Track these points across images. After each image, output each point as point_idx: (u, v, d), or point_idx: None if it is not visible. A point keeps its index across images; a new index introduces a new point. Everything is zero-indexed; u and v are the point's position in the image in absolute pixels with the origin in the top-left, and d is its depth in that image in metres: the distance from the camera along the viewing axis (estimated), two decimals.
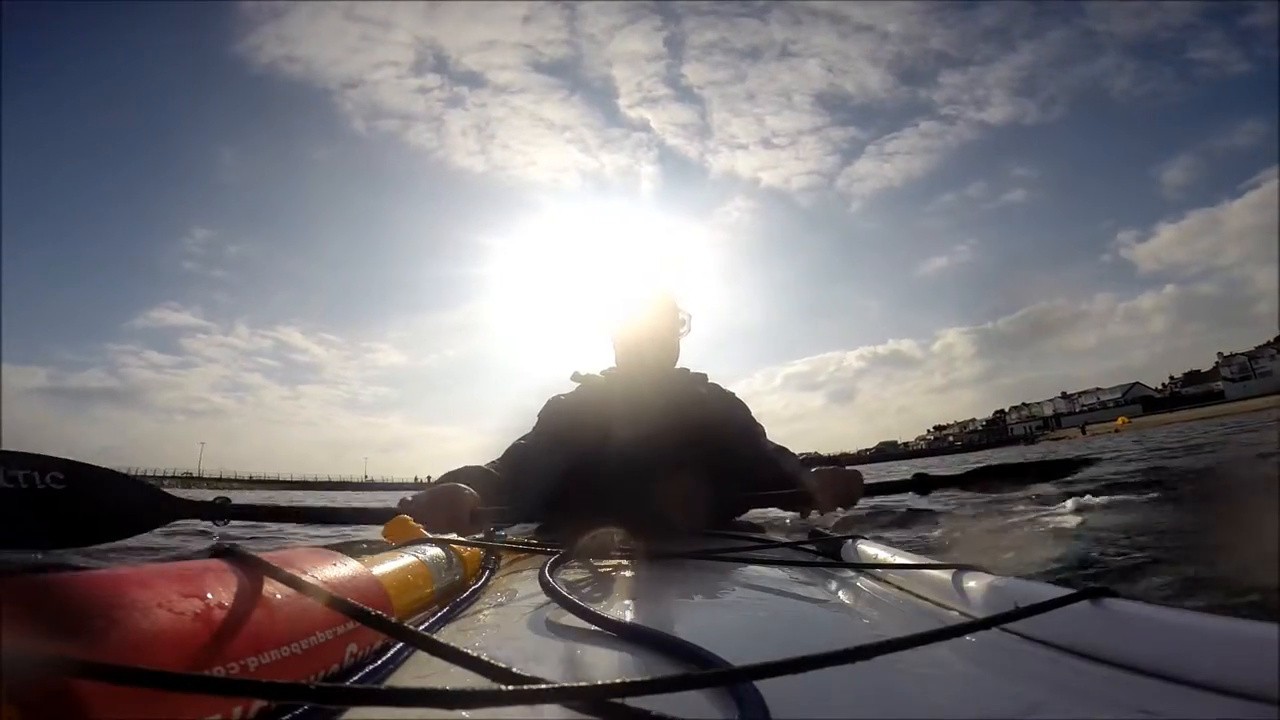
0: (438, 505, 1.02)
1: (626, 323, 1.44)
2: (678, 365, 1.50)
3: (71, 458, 0.90)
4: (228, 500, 1.02)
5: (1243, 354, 60.10)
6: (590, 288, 1.60)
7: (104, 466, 0.92)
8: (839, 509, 1.22)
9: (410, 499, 1.04)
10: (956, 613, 0.65)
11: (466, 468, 1.27)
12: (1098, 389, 73.94)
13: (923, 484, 1.27)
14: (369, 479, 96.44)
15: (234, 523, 1.06)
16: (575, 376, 1.49)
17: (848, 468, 1.23)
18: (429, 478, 1.24)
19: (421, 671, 0.49)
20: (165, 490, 0.99)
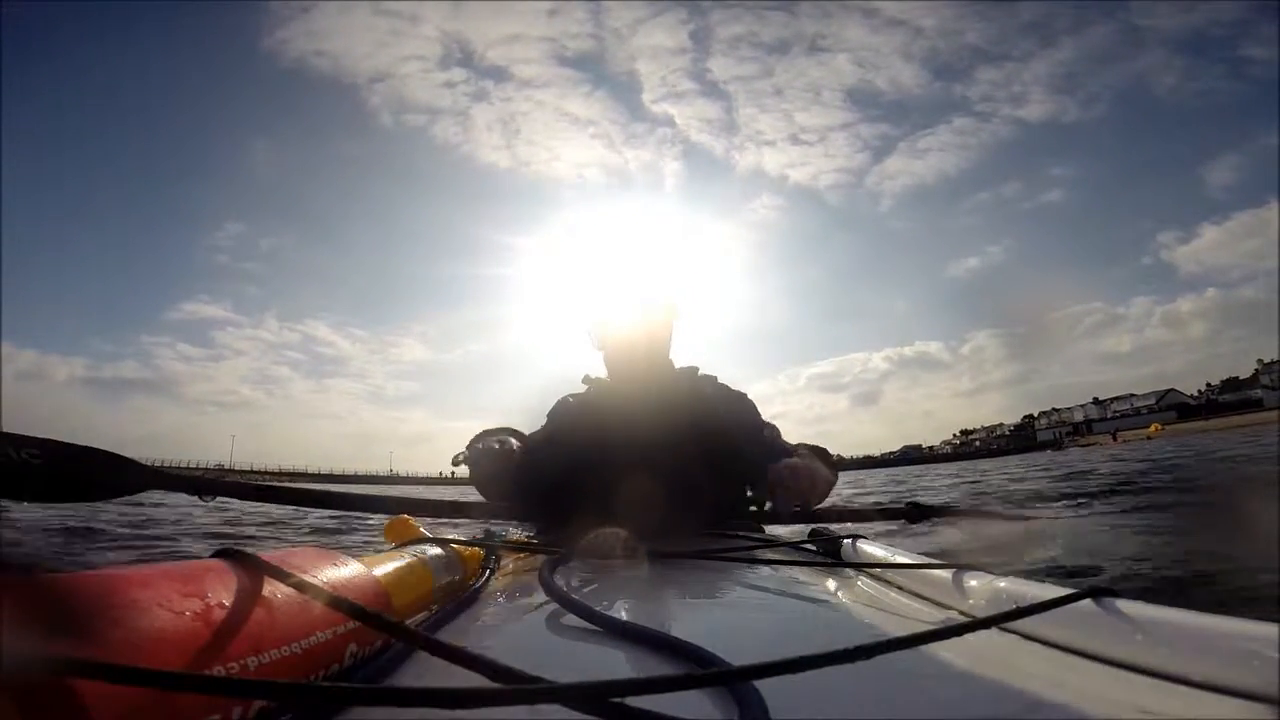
0: (489, 451, 1.25)
1: (619, 324, 1.43)
2: (687, 365, 1.50)
3: (58, 438, 0.89)
4: (219, 476, 1.02)
5: None
6: (591, 291, 1.58)
7: (84, 444, 0.91)
8: (794, 507, 1.16)
9: (464, 454, 1.28)
10: (956, 613, 0.65)
11: (500, 428, 1.44)
12: (1131, 395, 72.97)
13: (915, 512, 1.26)
14: (394, 473, 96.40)
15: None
16: (586, 380, 1.50)
17: (818, 466, 1.22)
18: (453, 473, 1.30)
19: (421, 671, 0.49)
20: (152, 466, 0.99)
